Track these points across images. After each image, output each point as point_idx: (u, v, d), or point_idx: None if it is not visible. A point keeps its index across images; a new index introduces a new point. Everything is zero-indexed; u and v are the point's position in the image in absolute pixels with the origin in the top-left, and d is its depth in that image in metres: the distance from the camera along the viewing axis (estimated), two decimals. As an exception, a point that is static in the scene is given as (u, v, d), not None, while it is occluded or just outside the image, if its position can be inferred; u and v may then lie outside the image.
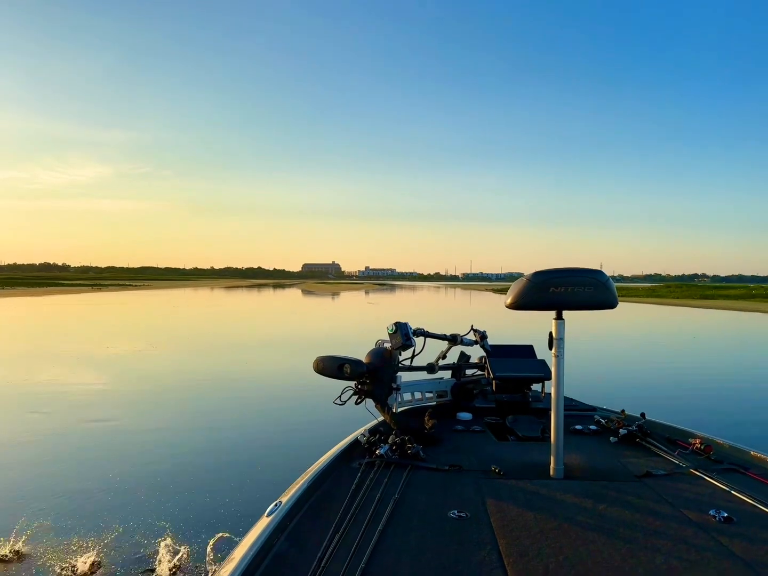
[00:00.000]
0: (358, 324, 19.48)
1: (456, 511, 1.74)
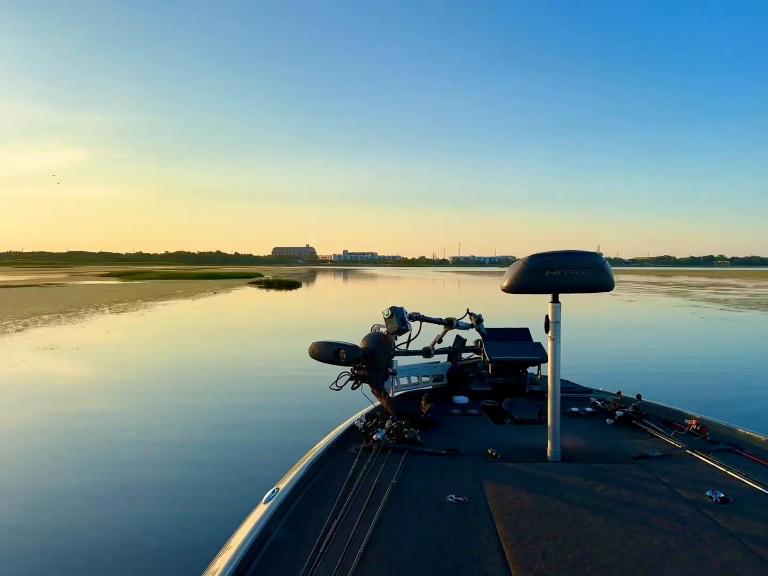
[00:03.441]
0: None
1: (454, 496, 1.83)
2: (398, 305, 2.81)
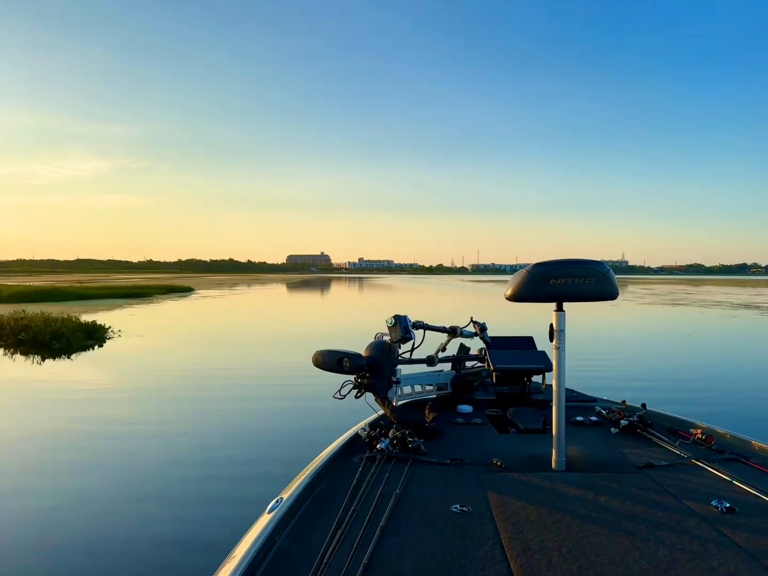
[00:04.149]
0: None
1: (458, 506, 1.84)
2: (402, 314, 2.85)
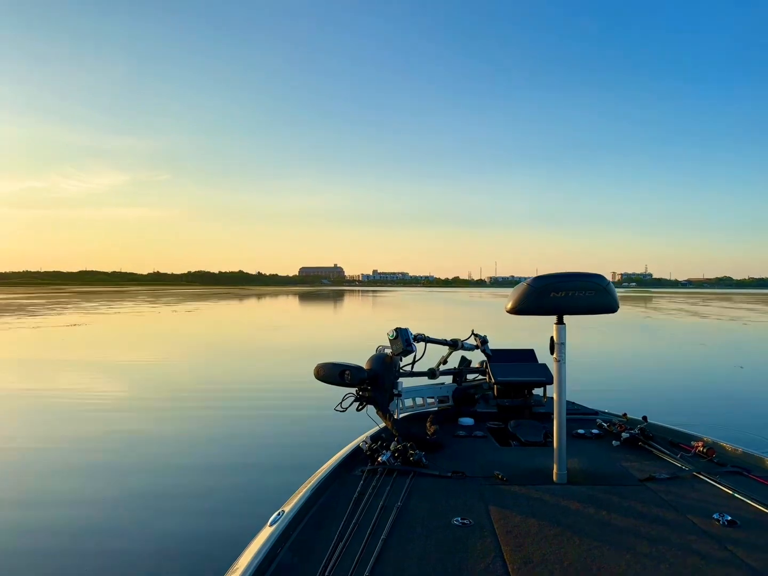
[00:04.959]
0: None
1: (459, 519, 1.87)
2: (403, 326, 2.89)
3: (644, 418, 3.06)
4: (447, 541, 1.74)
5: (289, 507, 1.93)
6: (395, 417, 2.88)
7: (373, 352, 2.95)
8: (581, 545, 1.72)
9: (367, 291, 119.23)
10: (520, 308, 2.33)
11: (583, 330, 18.05)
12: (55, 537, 3.98)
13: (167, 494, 4.78)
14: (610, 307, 2.31)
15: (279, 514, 1.88)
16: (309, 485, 2.13)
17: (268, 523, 1.83)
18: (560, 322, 2.31)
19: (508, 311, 2.38)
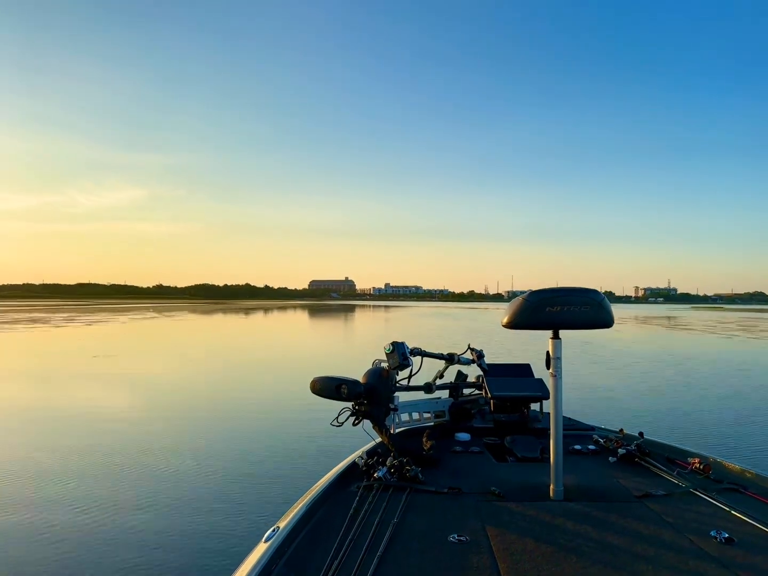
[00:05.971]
0: None
1: (456, 535, 1.89)
2: (399, 340, 2.93)
3: (641, 434, 3.09)
4: (443, 557, 1.76)
5: (284, 523, 1.94)
6: (391, 432, 2.90)
7: (370, 366, 2.99)
8: (578, 563, 1.74)
9: (378, 306, 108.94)
10: (516, 323, 2.38)
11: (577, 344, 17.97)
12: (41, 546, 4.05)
13: (162, 509, 4.82)
14: (605, 322, 2.36)
15: (274, 530, 1.89)
16: (304, 501, 2.15)
17: (263, 540, 1.84)
18: (556, 336, 2.35)
19: (504, 325, 2.42)
